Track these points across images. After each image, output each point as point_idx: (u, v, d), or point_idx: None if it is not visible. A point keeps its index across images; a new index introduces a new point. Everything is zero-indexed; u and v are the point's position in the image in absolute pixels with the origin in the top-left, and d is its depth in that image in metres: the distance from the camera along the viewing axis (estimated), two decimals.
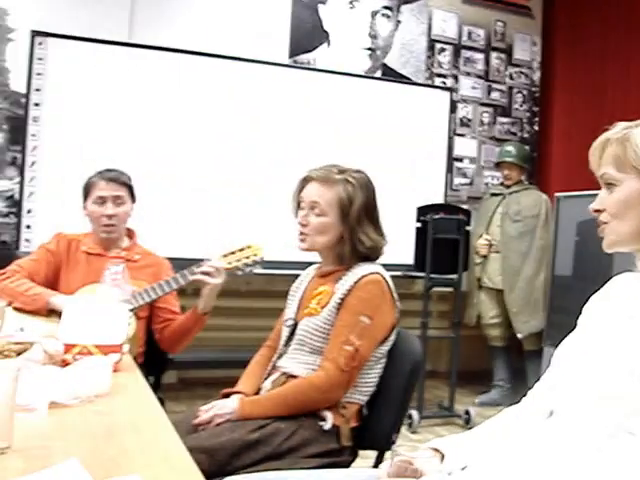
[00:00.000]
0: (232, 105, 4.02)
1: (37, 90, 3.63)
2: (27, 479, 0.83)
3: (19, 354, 1.30)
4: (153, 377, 2.30)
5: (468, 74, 5.02)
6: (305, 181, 1.78)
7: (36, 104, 3.63)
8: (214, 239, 3.52)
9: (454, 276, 3.81)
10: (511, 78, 5.17)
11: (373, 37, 4.71)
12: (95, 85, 3.72)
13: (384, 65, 4.74)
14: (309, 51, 4.52)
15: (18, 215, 3.64)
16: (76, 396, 1.20)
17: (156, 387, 2.28)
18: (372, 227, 1.74)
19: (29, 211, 3.62)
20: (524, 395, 1.27)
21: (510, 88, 5.17)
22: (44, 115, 3.63)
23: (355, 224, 1.71)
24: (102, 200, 2.24)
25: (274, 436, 1.56)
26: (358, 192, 1.72)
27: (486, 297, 4.26)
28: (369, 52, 4.70)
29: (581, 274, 3.64)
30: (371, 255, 1.75)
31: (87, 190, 2.27)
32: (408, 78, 4.77)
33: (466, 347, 4.13)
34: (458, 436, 1.22)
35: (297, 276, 1.94)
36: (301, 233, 1.76)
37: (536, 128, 5.23)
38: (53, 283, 2.21)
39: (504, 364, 4.27)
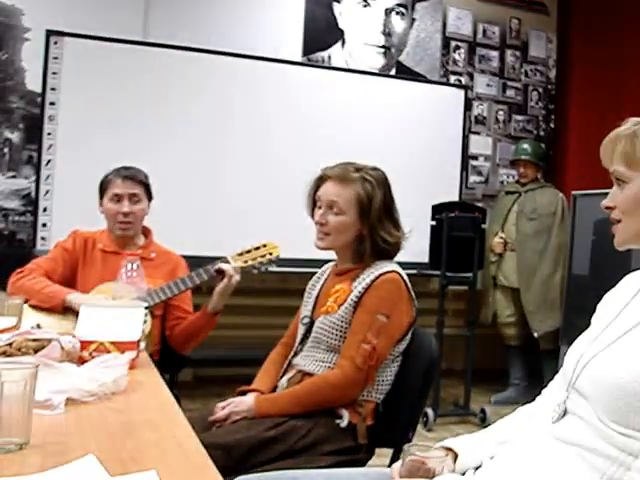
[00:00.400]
0: (246, 103, 4.02)
1: (52, 89, 3.66)
2: (45, 475, 0.83)
3: (36, 351, 1.31)
4: (169, 375, 2.30)
5: (483, 72, 5.00)
6: (321, 180, 1.76)
7: (52, 103, 3.65)
8: (230, 237, 3.51)
9: (469, 274, 3.79)
10: (526, 75, 5.13)
11: (387, 35, 4.70)
12: (110, 84, 3.74)
13: (398, 63, 4.73)
14: (323, 49, 4.51)
15: (34, 213, 3.67)
16: (93, 393, 1.21)
17: (172, 384, 2.28)
18: (392, 224, 1.74)
19: (45, 209, 3.65)
20: (539, 394, 1.26)
21: (525, 86, 5.13)
22: (60, 114, 3.65)
23: (376, 222, 1.70)
24: (118, 198, 2.24)
25: (290, 434, 1.56)
26: (377, 190, 1.71)
27: (502, 296, 4.24)
28: (383, 50, 4.68)
29: (598, 273, 3.60)
30: (390, 252, 1.74)
31: (103, 188, 2.28)
32: (423, 76, 4.76)
33: (482, 346, 4.11)
34: (471, 436, 1.21)
35: (312, 274, 1.93)
36: (320, 232, 1.75)
37: (552, 126, 5.19)
38: (70, 281, 2.22)
39: (520, 363, 4.25)
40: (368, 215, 1.70)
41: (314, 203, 1.79)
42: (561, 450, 1.01)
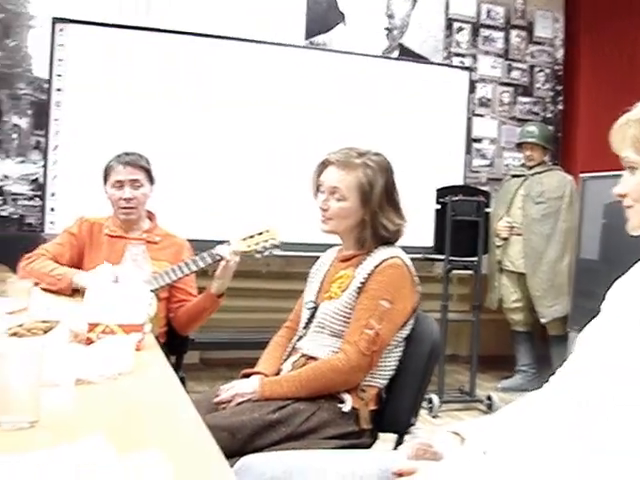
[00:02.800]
0: (249, 87, 4.02)
1: (59, 76, 3.67)
2: (55, 451, 0.86)
3: (46, 332, 1.34)
4: (174, 357, 2.34)
5: (487, 53, 4.95)
6: (324, 165, 1.76)
7: (58, 89, 3.67)
8: (234, 221, 3.54)
9: (474, 259, 3.78)
10: (532, 56, 5.08)
11: (390, 17, 4.66)
12: (115, 69, 3.76)
13: (401, 45, 4.69)
14: (325, 32, 4.49)
15: (42, 198, 3.71)
16: (100, 374, 1.23)
17: (177, 367, 2.31)
18: (393, 210, 1.74)
19: (53, 194, 3.68)
20: (547, 381, 1.26)
21: (531, 67, 5.08)
22: (66, 100, 3.67)
23: (377, 208, 1.70)
24: (120, 184, 2.27)
25: (294, 417, 1.57)
26: (378, 176, 1.70)
27: (508, 280, 4.22)
28: (386, 32, 4.65)
29: (608, 258, 3.54)
30: (392, 238, 1.75)
31: (106, 174, 2.31)
32: (426, 58, 4.72)
33: (488, 331, 4.09)
34: (479, 420, 1.21)
35: (316, 258, 1.94)
36: (323, 216, 1.76)
37: (560, 107, 5.14)
38: (77, 265, 2.26)
39: (527, 349, 4.22)
40: (369, 201, 1.70)
41: (318, 188, 1.79)
42: (574, 435, 1.01)
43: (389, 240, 1.74)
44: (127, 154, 2.31)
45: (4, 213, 3.88)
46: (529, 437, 1.09)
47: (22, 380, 0.94)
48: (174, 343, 2.30)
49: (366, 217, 1.71)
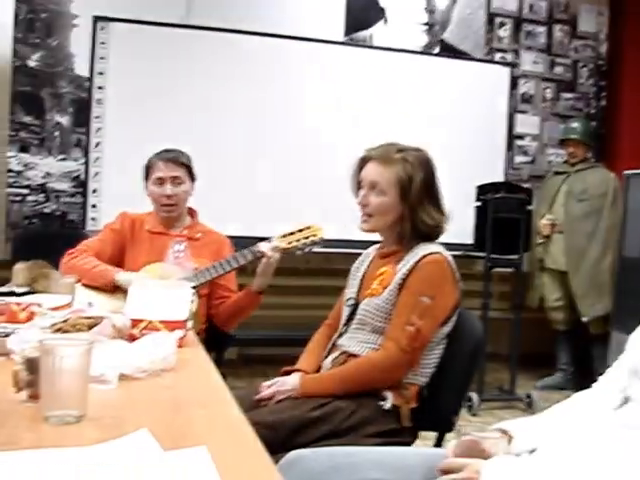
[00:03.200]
0: (289, 84, 4.02)
1: (100, 74, 3.73)
2: (102, 447, 0.86)
3: (90, 328, 1.35)
4: (214, 353, 2.35)
5: (529, 48, 4.85)
6: (363, 161, 1.76)
7: (99, 87, 3.72)
8: (275, 218, 3.53)
9: (515, 257, 3.73)
10: (576, 51, 4.96)
11: (430, 12, 4.61)
12: (155, 66, 3.79)
13: (442, 41, 4.63)
14: (365, 28, 4.46)
15: (84, 195, 3.77)
16: (144, 369, 1.24)
17: (218, 363, 2.32)
18: (433, 206, 1.71)
19: (94, 191, 3.74)
20: (594, 380, 1.23)
21: (575, 62, 4.96)
22: (107, 97, 3.73)
23: (416, 203, 1.68)
24: (161, 181, 2.28)
25: (334, 414, 1.57)
26: (417, 170, 1.68)
27: (549, 279, 4.16)
28: (426, 28, 4.60)
29: None
30: (432, 234, 1.73)
31: (147, 171, 2.32)
32: (467, 54, 4.66)
33: (528, 330, 4.03)
34: (527, 419, 1.20)
35: (356, 254, 1.93)
36: (363, 214, 1.75)
37: (603, 103, 5.02)
38: (118, 261, 2.27)
39: (568, 348, 4.17)
40: (408, 196, 1.68)
41: (358, 185, 1.78)
42: (628, 435, 0.99)
43: (429, 236, 1.72)
44: (168, 151, 2.32)
45: (47, 210, 3.96)
46: (577, 438, 1.06)
47: (70, 376, 0.95)
48: (214, 339, 2.31)
49: (405, 212, 1.70)
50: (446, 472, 1.09)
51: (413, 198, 1.68)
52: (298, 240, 2.14)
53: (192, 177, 2.35)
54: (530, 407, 3.58)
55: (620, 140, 4.87)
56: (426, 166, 1.72)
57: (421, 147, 1.77)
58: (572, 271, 4.02)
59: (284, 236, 2.15)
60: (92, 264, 2.18)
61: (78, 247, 2.29)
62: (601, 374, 1.23)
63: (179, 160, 2.30)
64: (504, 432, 1.15)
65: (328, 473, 1.25)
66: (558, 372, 4.16)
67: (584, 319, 4.00)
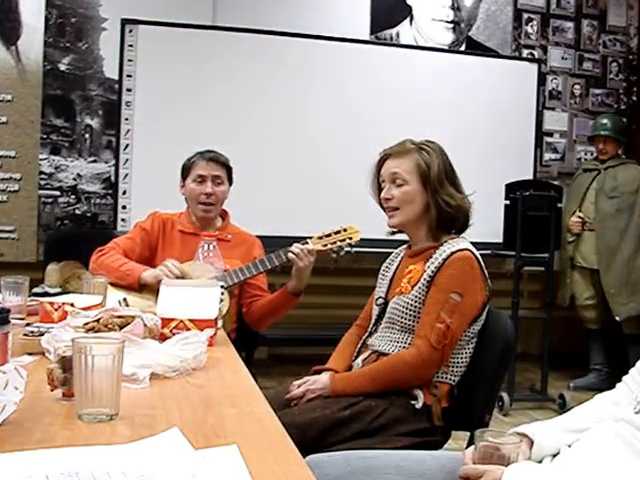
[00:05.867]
0: (317, 83, 4.02)
1: (128, 76, 3.77)
2: (135, 445, 0.87)
3: (121, 327, 1.36)
4: (245, 353, 2.35)
5: (557, 44, 4.79)
6: (382, 159, 1.78)
7: (128, 89, 3.77)
8: (310, 218, 3.52)
9: (545, 255, 3.68)
10: (605, 46, 4.88)
11: (457, 9, 4.57)
12: (182, 68, 3.83)
13: (469, 38, 4.60)
14: (391, 27, 4.44)
15: (114, 196, 3.82)
16: (175, 369, 1.24)
17: (248, 362, 2.32)
18: (453, 187, 1.73)
19: (124, 192, 3.78)
20: (619, 381, 1.21)
21: (604, 57, 4.88)
22: (136, 100, 3.77)
23: (438, 186, 1.70)
24: (202, 179, 2.29)
25: (365, 414, 1.56)
26: (434, 156, 1.72)
27: (580, 277, 4.09)
28: (453, 25, 4.57)
29: None
30: (458, 216, 1.72)
31: (187, 169, 2.33)
32: (494, 51, 4.62)
33: (559, 329, 3.99)
34: (547, 422, 1.17)
35: (385, 254, 1.93)
36: (388, 209, 1.75)
37: (634, 99, 4.93)
38: (147, 261, 2.28)
39: (601, 347, 4.08)
40: (429, 181, 1.70)
41: (379, 186, 1.79)
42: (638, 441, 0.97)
43: (456, 219, 1.72)
44: (209, 151, 2.34)
45: (78, 212, 4.03)
46: (599, 443, 1.04)
47: (103, 374, 0.95)
48: (245, 339, 2.31)
49: (429, 199, 1.70)
50: (466, 479, 1.07)
51: (434, 182, 1.70)
52: (334, 242, 2.12)
53: (230, 180, 2.36)
54: (562, 408, 3.52)
55: None
56: (441, 153, 1.75)
57: (449, 145, 1.78)
58: (604, 269, 3.95)
59: (320, 237, 2.14)
60: (120, 262, 2.19)
61: (108, 244, 2.30)
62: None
63: (220, 160, 2.33)
64: (524, 435, 1.12)
65: (345, 478, 1.25)
66: (592, 372, 4.08)
67: (617, 318, 3.92)
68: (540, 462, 1.11)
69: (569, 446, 1.10)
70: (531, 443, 1.12)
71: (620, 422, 1.04)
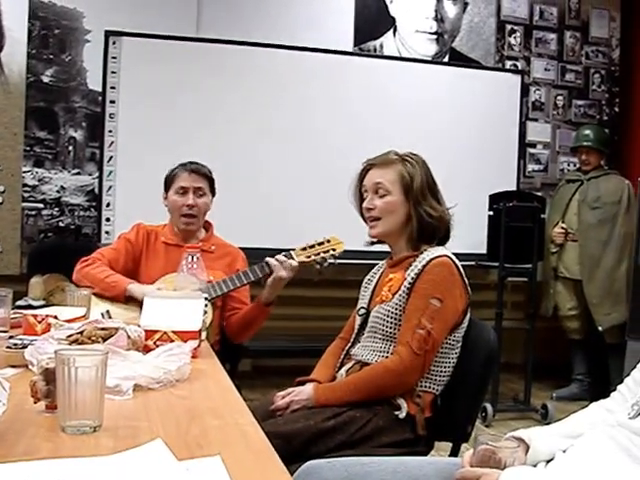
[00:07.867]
0: (298, 95, 4.04)
1: (112, 88, 3.77)
2: (117, 457, 0.87)
3: (105, 339, 1.36)
4: (229, 364, 2.35)
5: (540, 55, 4.84)
6: (365, 170, 1.81)
7: (112, 101, 3.76)
8: (290, 230, 3.53)
9: (528, 266, 3.70)
10: (587, 58, 4.94)
11: (440, 21, 4.61)
12: (166, 80, 3.82)
13: (452, 49, 4.64)
14: (375, 38, 4.48)
15: (98, 209, 3.80)
16: (158, 380, 1.24)
17: (232, 374, 2.31)
18: (435, 199, 1.76)
19: (108, 204, 3.77)
20: (610, 391, 1.22)
21: (586, 68, 4.94)
22: (120, 112, 3.76)
23: (420, 198, 1.72)
24: (184, 190, 2.29)
25: (349, 424, 1.56)
26: (417, 168, 1.75)
27: (563, 288, 4.11)
28: (436, 37, 4.61)
29: None
30: (439, 227, 1.74)
31: (169, 181, 2.34)
32: (477, 62, 4.66)
33: (542, 339, 4.00)
34: (544, 428, 1.19)
35: (369, 266, 1.94)
36: (370, 219, 1.77)
37: (616, 110, 4.99)
38: (132, 272, 2.28)
39: (583, 358, 4.11)
40: (411, 192, 1.72)
41: (361, 196, 1.81)
42: (633, 448, 0.98)
43: (436, 230, 1.74)
44: (192, 163, 2.34)
45: (62, 224, 4.00)
46: (594, 448, 1.05)
47: (86, 386, 0.95)
48: (228, 351, 2.31)
49: (411, 210, 1.73)
50: None
51: (416, 193, 1.72)
52: (317, 254, 2.13)
53: (213, 191, 2.37)
54: (545, 418, 3.53)
55: (634, 147, 4.83)
56: (424, 166, 1.78)
57: (431, 157, 1.81)
58: (586, 279, 3.98)
59: (304, 249, 2.14)
60: (105, 273, 2.19)
61: (92, 255, 2.30)
62: (618, 384, 1.22)
63: (202, 171, 2.33)
64: (521, 440, 1.14)
65: None
66: (574, 382, 4.10)
67: (600, 328, 3.94)
68: (535, 466, 1.13)
69: (564, 451, 1.11)
70: (527, 448, 1.13)
71: (614, 427, 1.05)
